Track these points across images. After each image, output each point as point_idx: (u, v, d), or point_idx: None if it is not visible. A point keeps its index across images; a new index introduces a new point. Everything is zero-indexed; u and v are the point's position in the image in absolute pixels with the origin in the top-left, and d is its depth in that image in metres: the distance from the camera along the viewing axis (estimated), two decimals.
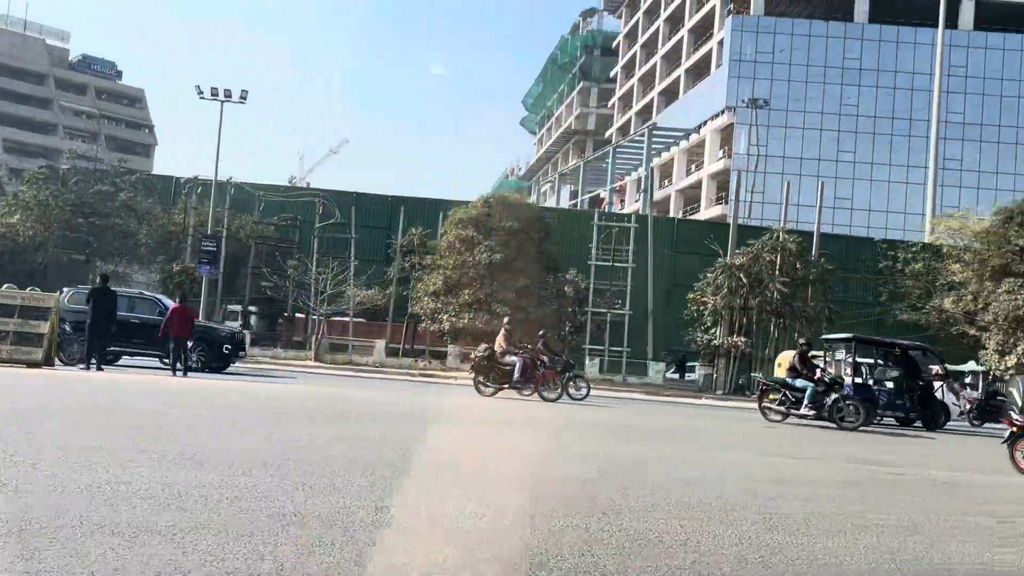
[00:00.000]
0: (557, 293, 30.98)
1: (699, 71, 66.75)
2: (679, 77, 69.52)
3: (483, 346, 17.87)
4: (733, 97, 59.43)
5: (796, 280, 29.66)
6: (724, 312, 29.86)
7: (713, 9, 63.92)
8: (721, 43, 61.55)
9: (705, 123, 62.96)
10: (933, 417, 18.87)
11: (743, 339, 29.78)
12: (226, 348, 19.47)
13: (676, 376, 34.24)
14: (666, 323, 34.54)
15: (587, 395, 18.08)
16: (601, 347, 31.98)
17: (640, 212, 63.14)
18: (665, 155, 69.36)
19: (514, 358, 17.27)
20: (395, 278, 33.51)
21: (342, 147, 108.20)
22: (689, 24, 67.84)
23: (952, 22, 59.49)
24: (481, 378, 17.54)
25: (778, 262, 29.89)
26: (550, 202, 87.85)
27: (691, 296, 30.75)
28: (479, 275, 29.93)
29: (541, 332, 18.91)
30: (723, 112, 60.36)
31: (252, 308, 32.63)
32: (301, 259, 31.89)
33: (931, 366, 20.29)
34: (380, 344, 30.15)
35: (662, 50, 73.16)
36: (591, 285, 31.84)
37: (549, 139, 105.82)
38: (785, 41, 59.33)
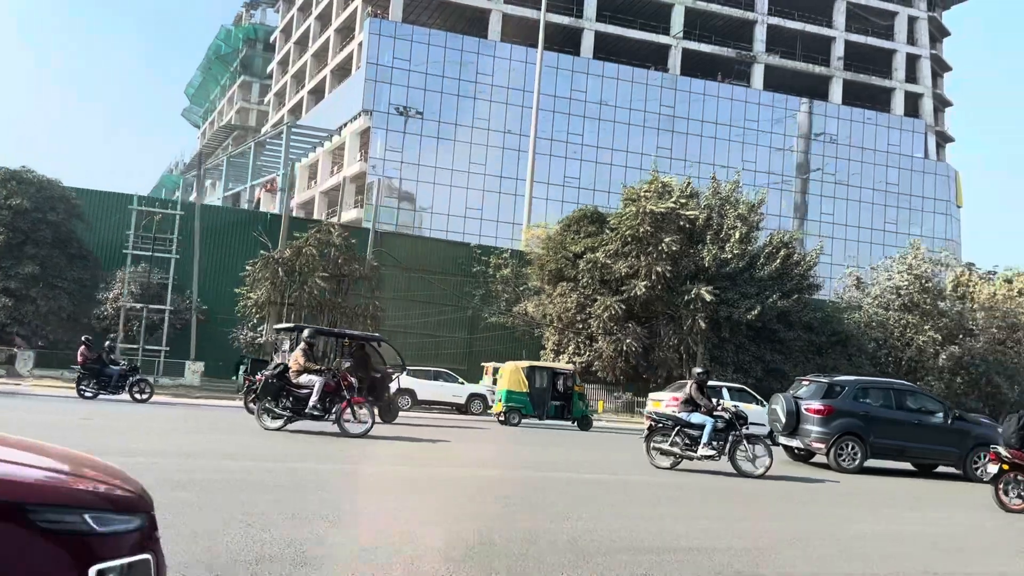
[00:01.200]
0: (81, 283, 27.66)
1: (344, 72, 65.86)
2: (326, 77, 68.20)
3: (275, 362, 14.22)
4: (370, 101, 59.12)
5: (343, 275, 29.00)
6: (268, 308, 28.41)
7: (356, 10, 63.35)
8: (361, 45, 61.02)
9: (346, 125, 62.04)
10: (389, 409, 18.71)
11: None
12: None
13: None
14: (228, 322, 32.40)
15: (371, 427, 14.37)
16: (135, 346, 29.01)
17: (277, 212, 60.71)
18: (312, 155, 67.59)
19: (313, 378, 13.82)
20: None
21: None
22: (336, 23, 66.81)
23: (575, 50, 64.02)
24: (268, 404, 13.77)
25: (332, 257, 29.07)
26: (207, 199, 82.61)
27: (239, 291, 28.97)
28: None
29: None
30: (360, 115, 59.77)
31: None
32: None
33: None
34: None
35: (312, 48, 71.52)
36: (126, 276, 28.83)
37: (212, 132, 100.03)
38: (422, 50, 60.10)
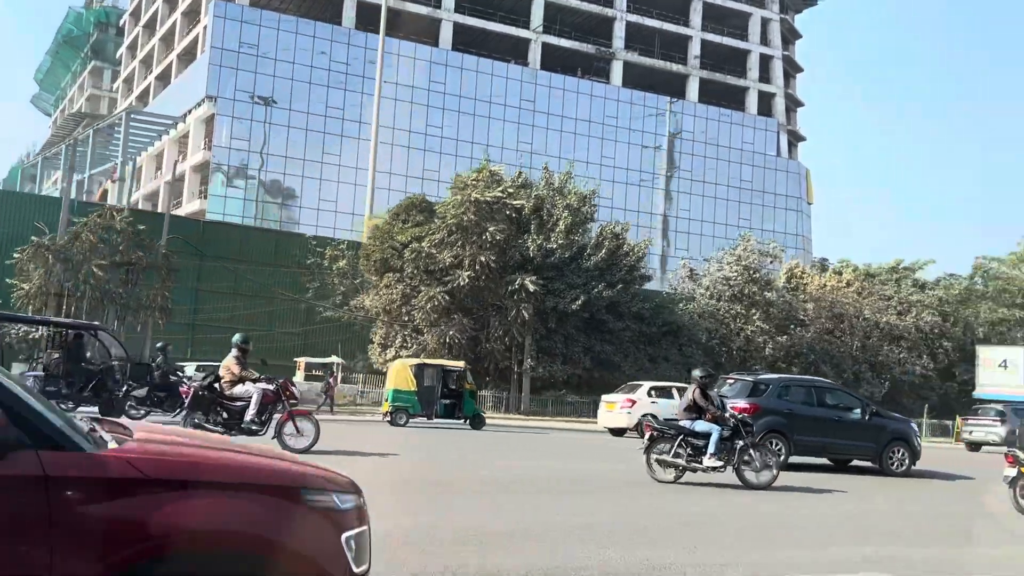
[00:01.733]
0: None
1: (191, 57, 62.77)
2: (172, 62, 64.90)
3: (201, 374, 12.50)
4: (215, 87, 56.40)
5: (129, 264, 26.91)
6: (45, 299, 26.09)
7: None
8: (207, 29, 58.16)
9: (190, 112, 59.04)
10: (111, 403, 17.15)
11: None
12: None
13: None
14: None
15: (314, 441, 12.55)
16: None
17: (125, 204, 57.19)
18: (158, 144, 64.11)
19: (249, 388, 12.17)
20: None
21: None
22: (183, 6, 63.62)
23: (434, 40, 62.88)
24: (197, 419, 12.02)
25: (114, 244, 26.93)
26: (46, 190, 77.57)
27: (11, 281, 26.54)
28: None
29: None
30: (204, 101, 56.96)
31: None
32: None
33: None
34: None
35: (160, 31, 68.01)
36: None
37: (62, 120, 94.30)
38: (271, 35, 57.72)
